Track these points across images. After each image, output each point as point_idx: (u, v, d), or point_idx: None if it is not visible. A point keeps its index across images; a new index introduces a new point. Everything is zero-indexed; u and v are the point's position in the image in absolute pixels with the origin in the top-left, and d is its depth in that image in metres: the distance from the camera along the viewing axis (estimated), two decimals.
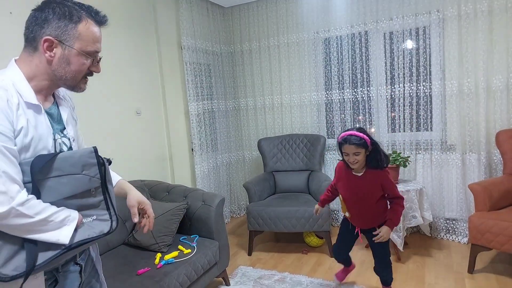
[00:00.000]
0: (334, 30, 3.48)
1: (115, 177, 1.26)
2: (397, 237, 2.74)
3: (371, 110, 3.43)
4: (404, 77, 3.23)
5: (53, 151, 1.02)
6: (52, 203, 0.94)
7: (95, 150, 1.02)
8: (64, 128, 1.10)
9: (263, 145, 3.63)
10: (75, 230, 0.96)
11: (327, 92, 3.62)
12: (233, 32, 4.02)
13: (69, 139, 1.11)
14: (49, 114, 1.06)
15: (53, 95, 1.12)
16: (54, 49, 0.98)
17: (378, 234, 1.97)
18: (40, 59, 0.98)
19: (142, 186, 2.72)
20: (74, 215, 0.97)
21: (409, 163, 3.01)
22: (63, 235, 0.93)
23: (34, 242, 0.90)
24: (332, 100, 3.60)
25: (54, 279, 1.03)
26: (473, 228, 2.48)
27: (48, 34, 0.96)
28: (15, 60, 1.01)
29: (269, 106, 3.90)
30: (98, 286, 1.26)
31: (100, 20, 1.04)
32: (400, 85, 3.25)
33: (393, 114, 3.35)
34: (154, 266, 2.05)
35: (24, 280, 0.88)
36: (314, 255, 3.05)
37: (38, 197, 0.93)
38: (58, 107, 1.11)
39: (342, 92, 3.53)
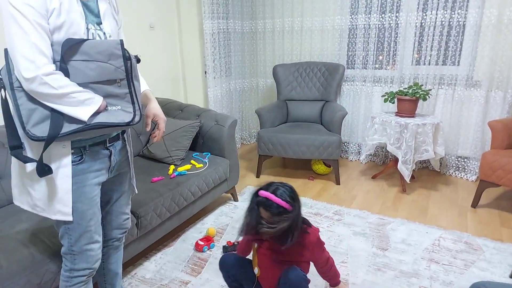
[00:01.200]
0: None
1: (144, 85, 1.35)
2: (405, 168, 2.76)
3: (397, 38, 3.22)
4: (438, 2, 2.96)
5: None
6: (80, 85, 1.03)
7: (121, 42, 1.07)
8: (101, 23, 1.15)
9: (278, 71, 3.53)
10: (98, 113, 1.05)
11: (352, 16, 3.38)
12: None
13: (104, 34, 1.15)
14: (85, 5, 1.11)
15: None
16: None
17: None
18: None
19: None
20: (98, 99, 1.05)
21: (429, 97, 2.91)
22: (83, 113, 1.02)
23: (61, 113, 1.01)
24: (356, 25, 3.37)
25: (80, 155, 1.13)
26: (486, 165, 2.46)
27: None
28: None
29: (288, 30, 3.69)
30: (127, 177, 1.38)
31: None
32: (433, 11, 3.00)
33: (420, 45, 3.15)
34: (168, 176, 2.14)
35: (46, 145, 1.00)
36: (320, 182, 3.13)
37: (67, 76, 1.02)
38: (97, 1, 1.15)
39: (369, 17, 3.29)
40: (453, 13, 2.96)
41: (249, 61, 4.01)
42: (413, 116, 2.89)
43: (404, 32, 3.16)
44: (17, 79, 0.99)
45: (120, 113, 1.09)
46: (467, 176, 3.16)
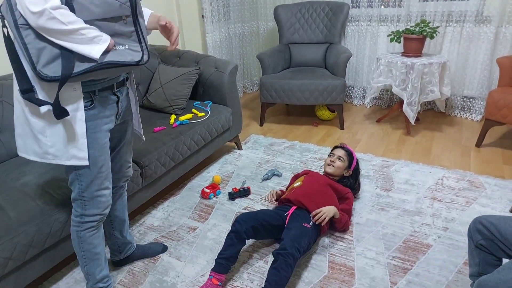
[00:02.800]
0: None
1: (147, 11, 1.25)
2: (410, 110, 2.72)
3: None
4: None
5: None
6: (85, 22, 0.98)
7: None
8: None
9: (280, 13, 3.34)
10: (107, 52, 1.01)
11: None
12: None
13: None
14: None
15: None
16: None
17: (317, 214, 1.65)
18: None
19: (152, 50, 2.61)
20: (106, 37, 1.01)
21: (436, 34, 2.78)
22: (94, 51, 0.98)
23: (71, 52, 0.97)
24: None
25: (91, 100, 1.11)
26: (491, 103, 2.41)
27: None
28: None
29: None
30: (130, 125, 1.37)
31: None
32: None
33: None
34: (170, 125, 2.12)
35: (61, 84, 0.97)
36: (324, 127, 3.11)
37: (72, 12, 0.96)
38: None
39: None
40: None
41: (249, 3, 3.78)
42: (419, 56, 2.79)
43: None
44: (21, 15, 0.92)
45: (128, 52, 1.06)
46: (472, 116, 3.12)
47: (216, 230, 1.84)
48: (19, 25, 0.93)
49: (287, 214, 1.65)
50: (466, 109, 3.18)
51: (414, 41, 2.71)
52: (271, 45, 3.89)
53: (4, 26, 0.98)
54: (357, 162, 1.99)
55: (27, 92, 1.00)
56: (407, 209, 1.94)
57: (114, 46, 1.03)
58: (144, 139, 1.48)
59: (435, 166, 2.37)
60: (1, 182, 1.49)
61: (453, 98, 3.17)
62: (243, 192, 2.10)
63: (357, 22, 3.33)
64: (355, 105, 3.63)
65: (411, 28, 2.72)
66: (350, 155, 1.96)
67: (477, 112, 3.09)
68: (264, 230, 1.58)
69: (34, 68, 0.95)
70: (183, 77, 2.34)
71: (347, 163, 1.94)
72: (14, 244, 1.23)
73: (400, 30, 2.80)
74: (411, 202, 2.00)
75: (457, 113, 3.21)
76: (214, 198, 2.11)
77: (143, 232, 1.85)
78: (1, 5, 0.97)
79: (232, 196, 2.08)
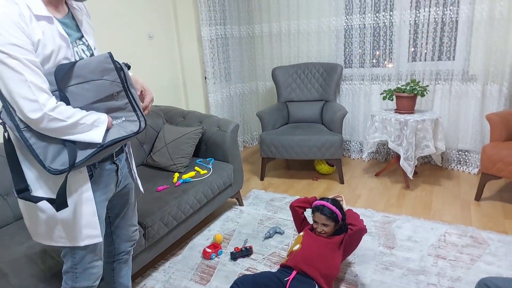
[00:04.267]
0: None
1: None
2: (407, 165, 2.79)
3: (393, 37, 3.25)
4: (430, 0, 2.99)
5: (73, 60, 1.06)
6: (81, 108, 1.03)
7: (110, 55, 1.04)
8: (82, 36, 1.14)
9: (277, 74, 3.55)
10: (107, 130, 1.05)
11: (347, 16, 3.41)
12: None
13: (88, 47, 1.15)
14: (64, 24, 1.08)
15: (66, 5, 1.13)
16: None
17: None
18: None
19: (158, 111, 2.74)
20: (103, 117, 1.05)
21: (427, 93, 2.94)
22: (96, 135, 1.02)
23: (73, 142, 1.01)
24: (352, 26, 3.40)
25: (90, 174, 1.13)
26: (486, 158, 2.49)
27: None
28: None
29: (285, 33, 3.72)
30: (133, 188, 1.37)
31: None
32: (426, 9, 3.03)
33: (415, 42, 3.18)
34: (173, 184, 2.16)
35: (67, 173, 1.00)
36: (324, 182, 3.16)
37: (68, 104, 1.01)
38: (73, 16, 1.13)
39: (363, 17, 3.32)
40: (445, 9, 2.99)
41: (248, 65, 4.04)
42: (412, 113, 2.92)
43: (398, 30, 3.19)
44: (21, 121, 0.97)
45: (126, 124, 1.10)
46: (469, 169, 3.18)
47: None
48: (21, 129, 0.98)
49: (288, 280, 1.62)
50: (462, 162, 3.25)
51: (405, 99, 2.86)
52: (269, 103, 4.07)
53: (5, 131, 1.02)
54: (340, 209, 1.84)
55: (22, 192, 1.03)
56: (412, 268, 1.92)
57: (112, 122, 1.07)
58: (143, 192, 1.47)
59: (436, 221, 2.37)
60: (4, 246, 1.50)
61: (449, 152, 3.26)
62: (245, 252, 2.08)
63: (350, 81, 3.53)
64: (353, 159, 3.71)
65: (402, 87, 2.88)
66: (332, 215, 1.79)
67: (473, 165, 3.16)
68: None
69: (44, 165, 0.99)
70: (187, 137, 2.44)
71: (334, 222, 1.80)
72: None
73: (392, 89, 2.96)
74: (415, 260, 1.98)
75: (454, 166, 3.27)
76: (216, 258, 2.09)
77: None
78: (0, 112, 1.01)
79: (234, 256, 2.06)
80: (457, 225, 2.31)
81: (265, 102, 4.13)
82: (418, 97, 3.23)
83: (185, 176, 2.24)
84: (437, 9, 3.00)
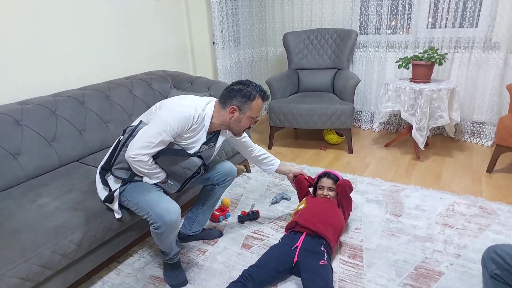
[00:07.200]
0: None
1: (276, 162, 2.00)
2: (419, 135, 2.73)
3: (412, 1, 3.08)
4: None
5: (196, 152, 1.58)
6: (162, 166, 1.56)
7: (201, 165, 1.57)
8: (214, 145, 1.69)
9: (288, 39, 3.44)
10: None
11: None
12: None
13: (208, 147, 1.66)
14: (207, 136, 1.62)
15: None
16: (235, 112, 1.55)
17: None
18: (224, 114, 1.57)
19: (165, 76, 2.70)
20: (162, 176, 1.58)
21: (445, 61, 2.82)
22: (147, 180, 1.57)
23: (135, 174, 1.56)
24: None
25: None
26: (502, 129, 2.41)
27: (234, 104, 1.54)
28: (215, 102, 1.60)
29: None
30: None
31: (266, 98, 1.60)
32: None
33: (436, 6, 3.01)
34: None
35: (123, 184, 1.55)
36: (332, 151, 3.13)
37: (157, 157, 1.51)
38: (218, 136, 1.69)
39: None
40: None
41: (258, 29, 3.91)
42: (428, 82, 2.82)
43: None
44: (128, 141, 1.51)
45: (169, 186, 1.61)
46: (482, 142, 3.11)
47: (226, 253, 1.84)
48: (125, 145, 1.50)
49: (296, 247, 1.65)
50: (476, 134, 3.17)
51: (422, 67, 2.76)
52: (279, 70, 3.98)
53: (122, 135, 1.57)
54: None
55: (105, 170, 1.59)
56: (418, 235, 1.92)
57: (166, 181, 1.60)
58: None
59: (445, 191, 2.35)
60: (18, 204, 1.53)
61: (463, 123, 3.18)
62: (252, 216, 2.11)
63: (364, 48, 3.41)
64: (363, 129, 3.66)
65: (419, 55, 2.77)
66: (333, 176, 1.99)
67: (487, 137, 3.08)
68: (273, 279, 1.59)
69: (112, 165, 1.54)
70: None
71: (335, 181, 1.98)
72: (30, 265, 1.25)
73: (408, 56, 2.85)
74: (422, 228, 1.98)
75: (466, 138, 3.20)
76: (224, 221, 2.12)
77: (153, 254, 1.86)
78: (129, 127, 1.55)
79: (241, 219, 2.08)
80: (466, 195, 2.28)
81: (275, 69, 4.04)
82: (435, 66, 3.11)
83: None
84: None
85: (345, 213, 1.91)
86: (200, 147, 1.58)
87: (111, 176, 1.55)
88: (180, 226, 1.87)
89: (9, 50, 1.95)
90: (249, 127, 1.64)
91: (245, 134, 1.80)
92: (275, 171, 1.98)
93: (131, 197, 1.51)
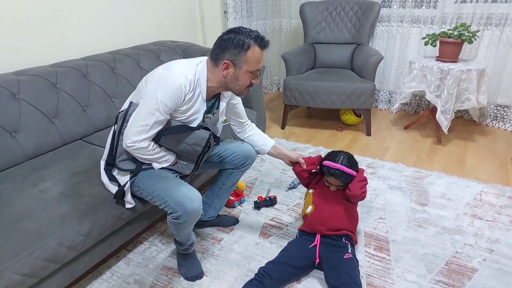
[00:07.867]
0: None
1: (269, 142, 1.67)
2: (444, 118, 2.57)
3: None
4: None
5: (200, 123, 1.38)
6: (168, 147, 1.39)
7: (209, 137, 1.35)
8: (215, 113, 1.48)
9: (306, 10, 3.19)
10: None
11: None
12: None
13: (213, 114, 1.47)
14: (207, 103, 1.41)
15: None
16: (229, 68, 1.29)
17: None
18: (218, 73, 1.31)
19: (175, 47, 2.49)
20: (171, 158, 1.42)
21: (475, 39, 2.61)
22: (156, 165, 1.41)
23: (142, 163, 1.40)
24: None
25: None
26: None
27: (226, 59, 1.27)
28: (207, 61, 1.34)
29: None
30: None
31: (263, 45, 1.30)
32: None
33: None
34: None
35: (132, 176, 1.39)
36: (349, 133, 2.97)
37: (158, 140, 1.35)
38: (219, 100, 1.47)
39: None
40: None
41: None
42: (455, 61, 2.62)
43: None
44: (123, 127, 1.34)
45: (183, 167, 1.45)
46: (505, 126, 2.96)
47: (243, 242, 1.72)
48: (122, 132, 1.33)
49: (315, 246, 1.52)
50: (499, 118, 3.01)
51: (451, 45, 2.55)
52: (293, 44, 3.74)
53: (115, 123, 1.38)
54: (355, 165, 1.62)
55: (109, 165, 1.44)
56: (446, 226, 1.80)
57: (177, 163, 1.44)
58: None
59: (471, 179, 2.22)
60: (18, 188, 1.38)
61: (486, 107, 3.01)
62: (269, 202, 1.98)
63: (387, 23, 3.17)
64: (380, 109, 3.48)
65: (449, 32, 2.56)
66: (347, 179, 1.58)
67: (511, 121, 2.92)
68: (293, 275, 1.48)
69: (115, 159, 1.38)
70: None
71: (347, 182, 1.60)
72: (33, 259, 1.11)
73: (436, 33, 2.64)
74: (450, 219, 1.86)
75: (489, 122, 3.04)
76: (239, 207, 1.99)
77: (165, 242, 1.74)
78: (121, 111, 1.36)
79: (258, 205, 1.96)
80: (494, 184, 2.15)
81: (288, 42, 3.80)
82: (464, 45, 2.90)
83: None
84: None
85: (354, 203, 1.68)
86: (204, 117, 1.39)
87: (117, 170, 1.40)
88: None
89: None
90: (251, 84, 1.35)
91: (238, 99, 1.58)
92: (268, 153, 1.66)
93: (144, 185, 1.35)
